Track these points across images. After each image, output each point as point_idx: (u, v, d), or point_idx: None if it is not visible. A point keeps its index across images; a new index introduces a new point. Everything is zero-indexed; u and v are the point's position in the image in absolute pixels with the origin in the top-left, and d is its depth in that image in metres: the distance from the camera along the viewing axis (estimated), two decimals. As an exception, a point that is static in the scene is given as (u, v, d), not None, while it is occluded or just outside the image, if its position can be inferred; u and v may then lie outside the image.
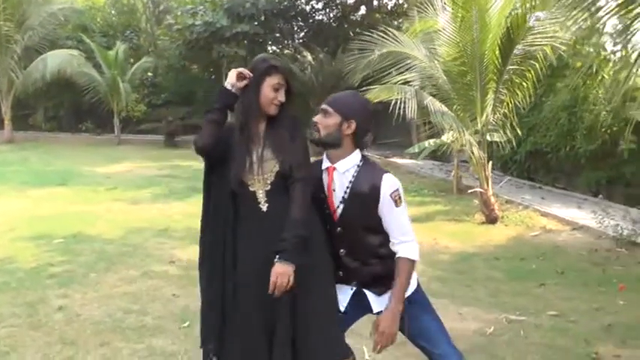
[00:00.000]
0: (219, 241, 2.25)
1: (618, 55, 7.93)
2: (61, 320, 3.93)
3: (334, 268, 2.32)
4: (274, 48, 18.46)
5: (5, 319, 3.94)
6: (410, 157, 11.98)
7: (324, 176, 2.32)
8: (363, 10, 18.61)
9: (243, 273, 2.21)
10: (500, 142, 8.01)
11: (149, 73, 19.16)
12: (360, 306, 2.34)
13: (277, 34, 18.46)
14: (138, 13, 20.91)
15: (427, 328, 2.34)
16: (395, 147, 14.60)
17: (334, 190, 2.30)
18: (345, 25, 18.37)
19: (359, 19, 18.58)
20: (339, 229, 2.30)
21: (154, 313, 4.09)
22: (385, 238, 2.29)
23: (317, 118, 2.30)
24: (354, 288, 2.34)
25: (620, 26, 4.63)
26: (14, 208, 7.81)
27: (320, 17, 18.86)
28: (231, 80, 2.26)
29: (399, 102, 7.04)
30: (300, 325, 2.19)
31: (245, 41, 16.34)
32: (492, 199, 7.40)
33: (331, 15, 18.83)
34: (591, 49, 8.83)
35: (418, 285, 2.40)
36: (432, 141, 9.54)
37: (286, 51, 17.67)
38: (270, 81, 2.24)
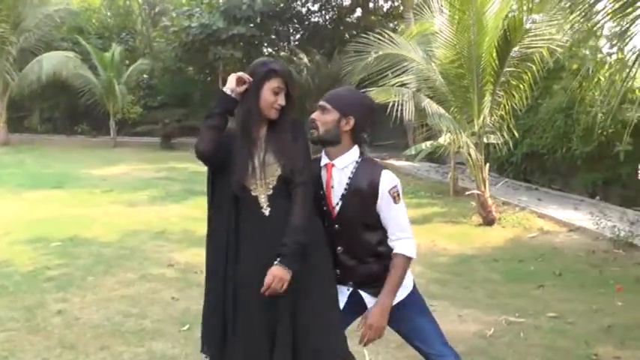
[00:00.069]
0: (222, 246, 2.25)
1: (614, 57, 7.97)
2: (59, 324, 3.91)
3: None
4: (270, 50, 18.47)
5: (3, 323, 3.92)
6: (406, 159, 12.00)
7: (323, 173, 2.32)
8: (358, 12, 18.66)
9: (245, 273, 2.20)
10: (497, 144, 8.04)
11: (145, 75, 19.13)
12: (356, 307, 2.34)
13: (273, 36, 18.48)
14: (134, 15, 20.89)
15: (422, 329, 2.34)
16: (391, 149, 14.62)
17: (333, 187, 2.30)
18: (341, 28, 18.41)
19: (355, 21, 18.62)
20: (336, 226, 2.30)
21: (154, 317, 4.07)
22: (383, 235, 2.29)
23: (315, 115, 2.30)
24: (351, 289, 2.35)
25: (616, 29, 4.66)
26: (10, 210, 7.77)
27: (316, 19, 18.91)
28: (230, 85, 2.24)
29: (396, 104, 7.05)
30: (300, 326, 2.19)
31: (241, 43, 16.34)
32: (489, 201, 7.42)
33: (327, 17, 18.87)
34: (587, 52, 8.87)
35: (414, 286, 2.40)
36: (428, 143, 9.55)
37: (282, 53, 17.67)
38: (270, 85, 2.23)
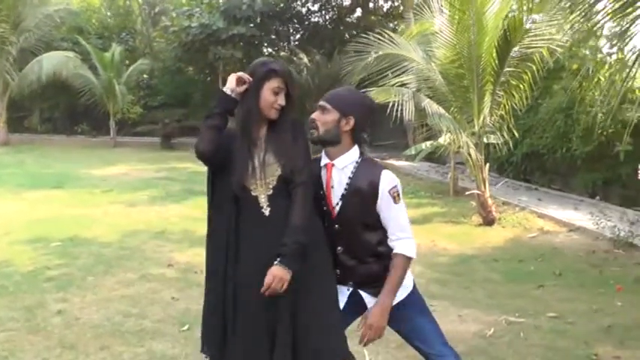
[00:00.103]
0: (222, 246, 2.25)
1: (614, 57, 7.97)
2: (60, 324, 3.91)
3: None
4: (270, 50, 18.48)
5: (3, 323, 3.91)
6: (406, 159, 12.00)
7: (323, 173, 2.32)
8: (358, 12, 18.67)
9: (245, 273, 2.20)
10: (497, 144, 8.04)
11: (145, 75, 19.14)
12: (356, 307, 2.34)
13: (273, 36, 18.49)
14: (133, 15, 20.90)
15: (422, 329, 2.34)
16: (391, 149, 14.63)
17: (333, 187, 2.30)
18: (341, 28, 18.42)
19: (355, 21, 18.63)
20: (336, 226, 2.30)
21: (153, 317, 4.07)
22: (383, 235, 2.29)
23: (315, 115, 2.30)
24: (351, 289, 2.35)
25: (616, 29, 4.66)
26: (10, 210, 7.77)
27: (316, 19, 18.92)
28: (230, 85, 2.24)
29: (396, 104, 7.05)
30: (300, 326, 2.19)
31: (241, 43, 16.34)
32: (489, 201, 7.42)
33: (327, 17, 18.88)
34: (587, 52, 8.87)
35: (414, 286, 2.40)
36: (428, 143, 9.55)
37: (282, 53, 17.69)
38: (270, 85, 2.23)
